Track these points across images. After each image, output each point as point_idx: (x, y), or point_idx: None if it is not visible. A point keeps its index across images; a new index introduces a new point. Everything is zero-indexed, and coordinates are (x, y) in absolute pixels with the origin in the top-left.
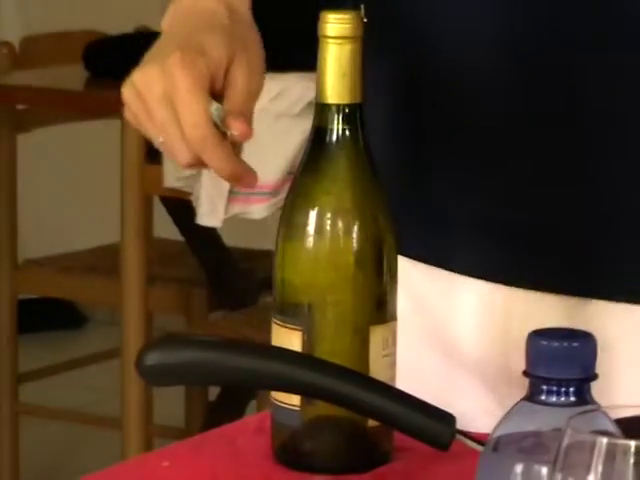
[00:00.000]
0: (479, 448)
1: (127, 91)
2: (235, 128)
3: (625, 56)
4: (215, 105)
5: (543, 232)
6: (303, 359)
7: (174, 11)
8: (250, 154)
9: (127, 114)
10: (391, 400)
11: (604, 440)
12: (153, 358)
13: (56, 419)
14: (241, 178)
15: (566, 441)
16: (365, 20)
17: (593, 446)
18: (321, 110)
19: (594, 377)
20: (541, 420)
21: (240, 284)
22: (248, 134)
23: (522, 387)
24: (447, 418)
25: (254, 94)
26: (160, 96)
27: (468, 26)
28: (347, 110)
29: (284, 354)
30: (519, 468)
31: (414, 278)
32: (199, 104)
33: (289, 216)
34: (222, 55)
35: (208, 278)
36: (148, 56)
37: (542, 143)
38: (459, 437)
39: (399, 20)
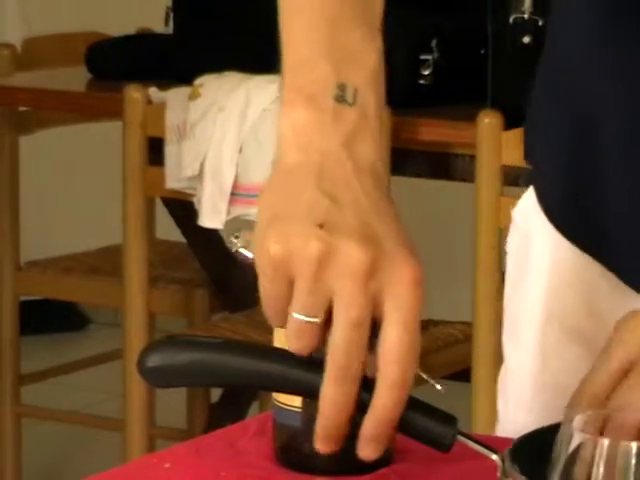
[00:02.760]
0: (481, 449)
1: (274, 255)
2: (363, 452)
3: None
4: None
5: None
6: (304, 360)
7: (306, 134)
8: (252, 155)
9: (268, 284)
10: None
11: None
12: (154, 359)
13: (58, 421)
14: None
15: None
16: None
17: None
18: None
19: None
20: None
21: (242, 285)
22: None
23: None
24: (449, 419)
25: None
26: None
27: None
28: None
29: (285, 355)
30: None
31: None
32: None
33: None
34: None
35: (210, 280)
36: (280, 199)
37: None
38: (461, 438)
39: None
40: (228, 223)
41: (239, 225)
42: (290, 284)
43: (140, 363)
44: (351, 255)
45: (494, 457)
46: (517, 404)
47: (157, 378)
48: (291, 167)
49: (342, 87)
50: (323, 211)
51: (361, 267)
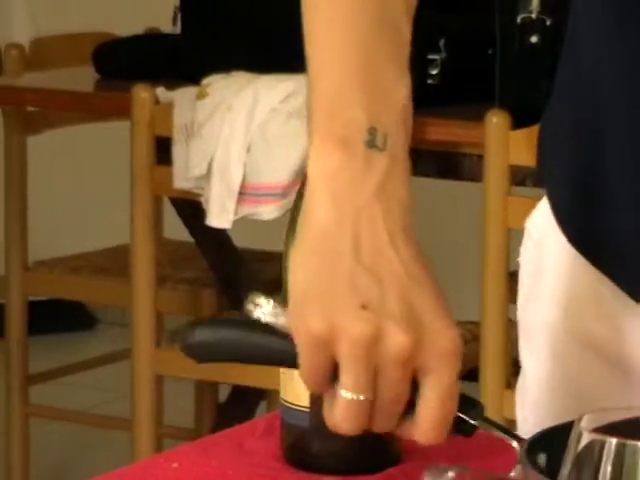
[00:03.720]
0: (503, 436)
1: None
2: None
3: None
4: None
5: None
6: None
7: (342, 193)
8: (260, 154)
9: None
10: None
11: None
12: (199, 335)
13: (66, 420)
14: None
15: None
16: None
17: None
18: None
19: None
20: None
21: (250, 285)
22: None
23: None
24: (473, 404)
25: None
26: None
27: None
28: None
29: None
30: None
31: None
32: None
33: (297, 218)
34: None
35: (218, 279)
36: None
37: None
38: (483, 424)
39: None
40: (236, 223)
41: (247, 225)
42: (331, 358)
43: (185, 339)
44: (397, 341)
45: (514, 444)
46: (535, 411)
47: (201, 353)
48: (325, 227)
49: (373, 131)
50: (365, 289)
51: (406, 352)
